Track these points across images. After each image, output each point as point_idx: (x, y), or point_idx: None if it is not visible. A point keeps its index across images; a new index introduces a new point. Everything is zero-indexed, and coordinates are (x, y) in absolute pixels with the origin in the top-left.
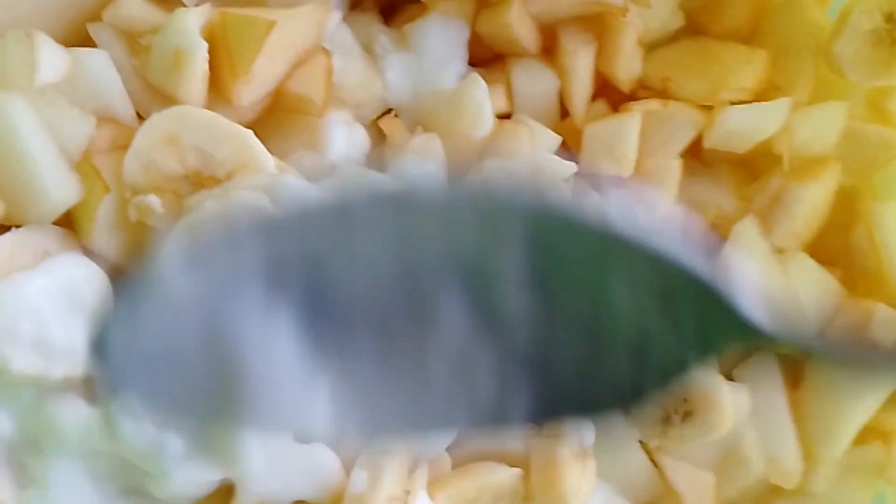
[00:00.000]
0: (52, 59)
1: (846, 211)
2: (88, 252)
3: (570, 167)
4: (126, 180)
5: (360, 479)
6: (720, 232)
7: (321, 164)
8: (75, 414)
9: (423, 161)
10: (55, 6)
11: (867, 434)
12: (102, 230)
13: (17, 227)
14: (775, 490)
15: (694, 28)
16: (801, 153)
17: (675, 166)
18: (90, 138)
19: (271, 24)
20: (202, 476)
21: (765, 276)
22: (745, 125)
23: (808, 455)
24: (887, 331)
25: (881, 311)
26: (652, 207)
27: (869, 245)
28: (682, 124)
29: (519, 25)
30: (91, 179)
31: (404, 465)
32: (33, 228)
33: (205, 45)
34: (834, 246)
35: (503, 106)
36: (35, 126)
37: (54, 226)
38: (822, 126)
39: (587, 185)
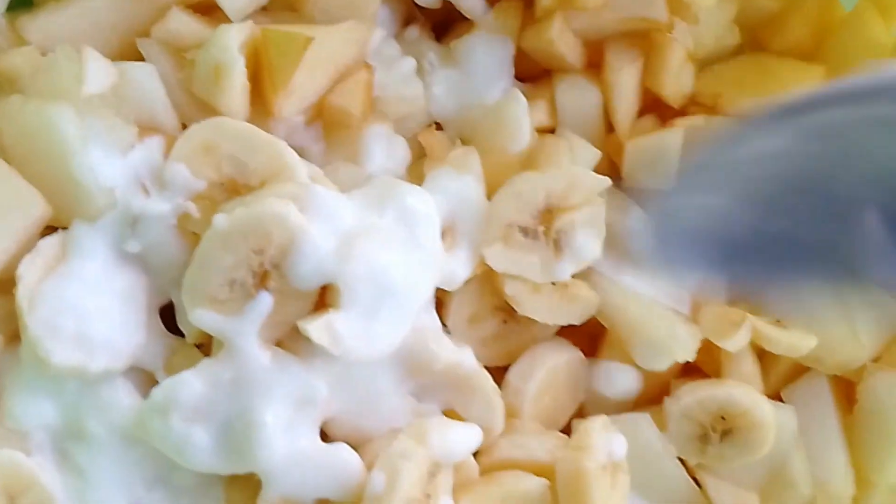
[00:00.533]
0: (99, 72)
1: None
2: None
3: (604, 181)
4: (167, 186)
5: (378, 480)
6: None
7: (355, 175)
8: (114, 405)
9: (460, 174)
10: (108, 23)
11: None
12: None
13: (64, 228)
14: None
15: (754, 44)
16: None
17: None
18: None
19: (309, 40)
20: (227, 470)
21: None
22: None
23: (862, 480)
24: None
25: None
26: None
27: None
28: None
29: (561, 42)
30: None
31: (424, 468)
32: (78, 230)
33: (242, 59)
34: None
35: (545, 120)
36: (81, 134)
37: (98, 227)
38: None
39: (629, 199)
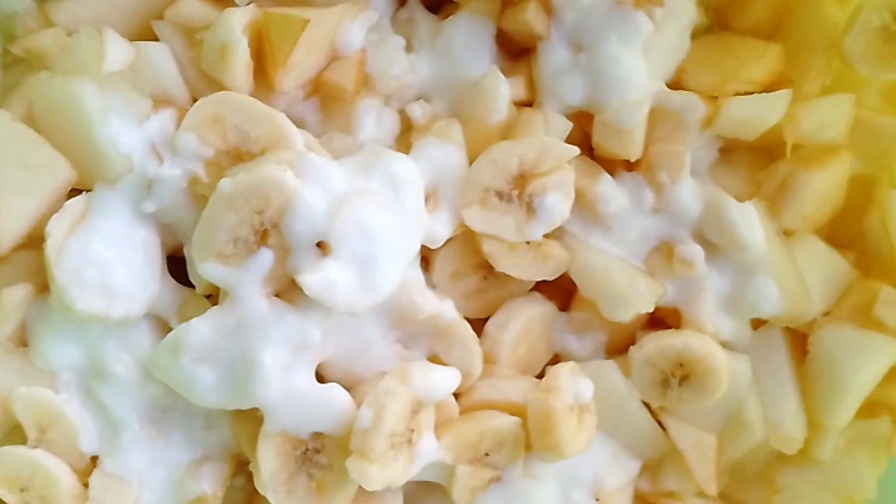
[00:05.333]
0: (118, 51)
1: (863, 197)
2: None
3: (573, 150)
4: (179, 153)
5: (366, 415)
6: None
7: (348, 144)
8: (132, 348)
9: (443, 143)
10: (126, 6)
11: (875, 408)
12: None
13: (87, 191)
14: (782, 457)
15: (720, 24)
16: (810, 142)
17: (681, 152)
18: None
19: (306, 22)
20: (229, 405)
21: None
22: (747, 115)
23: (814, 424)
24: (890, 310)
25: (885, 292)
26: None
27: (881, 230)
28: (687, 113)
29: (536, 22)
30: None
31: (407, 405)
32: (100, 192)
33: (245, 39)
34: (849, 230)
35: (522, 95)
36: (101, 106)
37: (117, 190)
38: (829, 116)
39: (596, 169)
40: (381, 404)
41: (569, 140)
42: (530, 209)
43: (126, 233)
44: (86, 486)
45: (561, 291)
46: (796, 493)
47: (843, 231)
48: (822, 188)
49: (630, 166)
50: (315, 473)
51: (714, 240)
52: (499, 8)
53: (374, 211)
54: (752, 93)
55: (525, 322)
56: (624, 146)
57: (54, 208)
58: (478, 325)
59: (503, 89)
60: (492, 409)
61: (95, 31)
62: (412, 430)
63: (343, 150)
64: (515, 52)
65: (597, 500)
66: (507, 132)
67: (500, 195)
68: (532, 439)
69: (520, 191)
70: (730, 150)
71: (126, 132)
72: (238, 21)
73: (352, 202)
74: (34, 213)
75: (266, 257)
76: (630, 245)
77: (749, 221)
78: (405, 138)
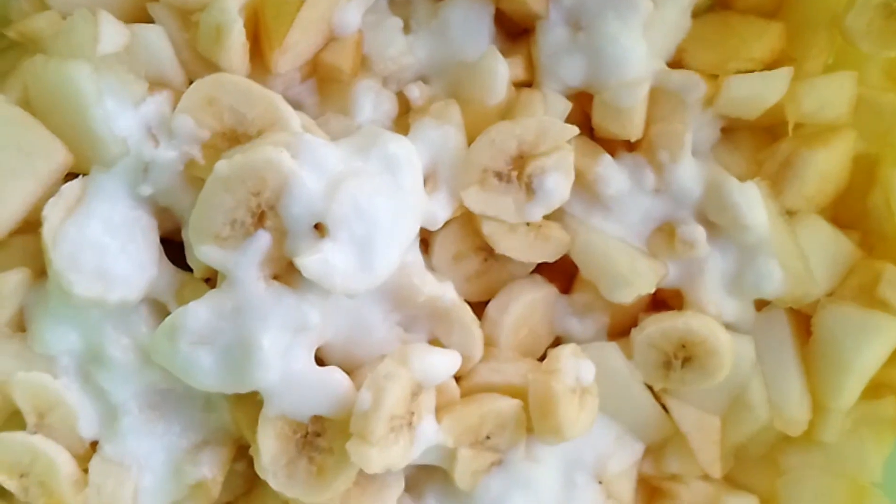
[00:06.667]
0: (113, 33)
1: (866, 176)
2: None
3: (572, 129)
4: (175, 135)
5: (365, 398)
6: None
7: (346, 126)
8: (130, 333)
9: (441, 124)
10: None
11: (880, 389)
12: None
13: (84, 174)
14: (786, 439)
15: (721, 2)
16: (812, 121)
17: (681, 131)
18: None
19: (302, 2)
20: (228, 389)
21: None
22: (748, 93)
23: (818, 406)
24: (894, 290)
25: (889, 271)
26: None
27: (885, 209)
28: (687, 92)
29: (534, 2)
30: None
31: (407, 388)
32: (96, 175)
33: (241, 20)
34: (853, 210)
35: (521, 75)
36: (97, 89)
37: (114, 173)
38: (831, 95)
39: (596, 149)
40: (380, 387)
41: (568, 121)
42: (530, 190)
43: (123, 216)
44: (85, 471)
45: (562, 274)
46: (801, 476)
47: (846, 211)
48: (824, 167)
49: (630, 146)
50: (315, 457)
51: (716, 220)
52: None
53: (372, 192)
54: (753, 71)
55: (526, 305)
56: (624, 126)
57: (51, 192)
58: (479, 308)
59: (502, 70)
60: (493, 392)
61: (90, 13)
62: (412, 413)
63: (340, 131)
64: (514, 32)
65: (599, 482)
66: (506, 113)
67: (499, 176)
68: (533, 422)
69: (519, 171)
70: (731, 130)
71: (122, 115)
72: (234, 2)
73: (349, 183)
74: (30, 198)
75: (263, 239)
76: (631, 226)
77: (751, 201)
78: (403, 120)
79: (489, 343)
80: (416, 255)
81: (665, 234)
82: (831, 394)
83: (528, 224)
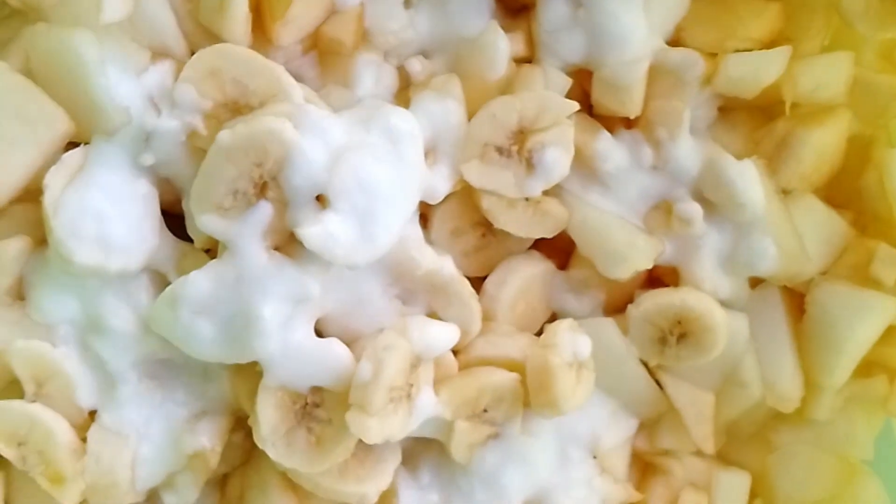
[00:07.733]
0: (115, 2)
1: (861, 157)
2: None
3: (573, 105)
4: (177, 105)
5: (365, 369)
6: None
7: (347, 98)
8: (130, 302)
9: (442, 98)
10: None
11: (872, 367)
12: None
13: (86, 143)
14: (778, 416)
15: None
16: (808, 100)
17: (680, 109)
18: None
19: None
20: (228, 359)
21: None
22: (746, 72)
23: (810, 383)
24: (887, 269)
25: (882, 250)
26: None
27: (878, 189)
28: (686, 71)
29: None
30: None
31: (406, 360)
32: (98, 144)
33: None
34: (847, 190)
35: (522, 51)
36: (99, 57)
37: (115, 142)
38: (828, 75)
39: (595, 126)
40: (380, 358)
41: (568, 97)
42: (530, 165)
43: (124, 185)
44: (84, 440)
45: (559, 250)
46: (792, 453)
47: (840, 190)
48: (820, 147)
49: (629, 124)
50: (314, 428)
51: (712, 198)
52: None
53: (374, 164)
54: (751, 51)
55: (524, 280)
56: (623, 103)
57: (52, 161)
58: (476, 283)
59: (502, 45)
60: (490, 366)
61: None
62: (411, 385)
63: (341, 104)
64: (515, 7)
65: (594, 457)
66: (506, 88)
67: (499, 150)
68: (530, 395)
69: (519, 146)
70: (729, 109)
71: (124, 84)
72: None
73: (351, 155)
74: (32, 166)
75: (265, 210)
76: (629, 202)
77: (747, 179)
78: (404, 94)
79: (487, 317)
80: (416, 228)
81: (662, 212)
82: (824, 371)
83: (526, 199)
